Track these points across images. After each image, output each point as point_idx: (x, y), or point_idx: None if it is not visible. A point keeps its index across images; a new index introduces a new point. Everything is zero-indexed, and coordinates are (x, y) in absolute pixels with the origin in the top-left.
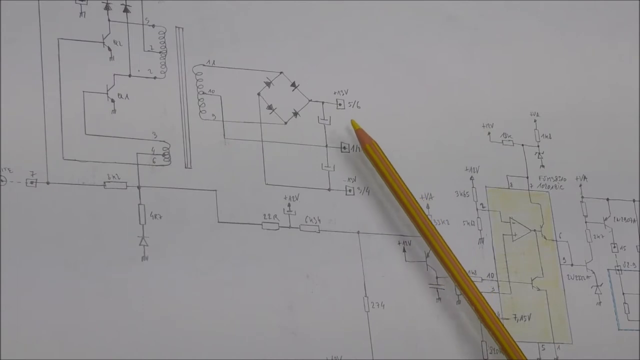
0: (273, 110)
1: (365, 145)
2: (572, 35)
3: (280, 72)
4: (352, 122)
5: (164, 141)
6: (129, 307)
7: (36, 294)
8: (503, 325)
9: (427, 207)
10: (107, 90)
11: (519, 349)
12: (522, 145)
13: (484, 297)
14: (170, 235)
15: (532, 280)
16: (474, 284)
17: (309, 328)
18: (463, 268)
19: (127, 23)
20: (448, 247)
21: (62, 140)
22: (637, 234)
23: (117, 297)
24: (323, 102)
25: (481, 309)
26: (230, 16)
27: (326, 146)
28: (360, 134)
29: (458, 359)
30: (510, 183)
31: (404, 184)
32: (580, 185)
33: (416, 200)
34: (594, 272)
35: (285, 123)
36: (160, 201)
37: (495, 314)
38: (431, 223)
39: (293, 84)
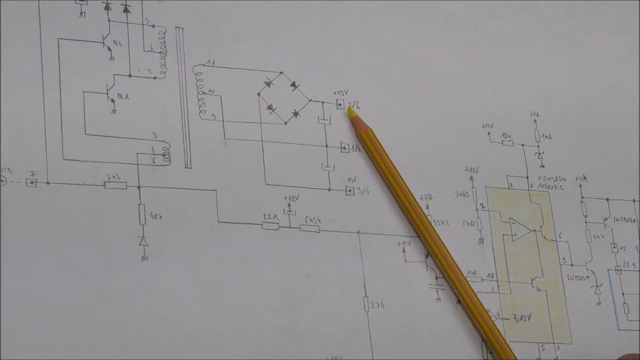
0: (273, 110)
1: (361, 132)
2: (572, 35)
3: (280, 72)
4: (349, 110)
5: (164, 141)
6: (129, 307)
7: (36, 294)
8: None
9: (427, 207)
10: (107, 90)
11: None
12: (522, 145)
13: (472, 289)
14: (170, 235)
15: (532, 280)
16: (462, 274)
17: (309, 328)
18: (448, 251)
19: (127, 23)
20: (435, 231)
21: (62, 140)
22: (637, 234)
23: (117, 297)
24: (323, 102)
25: (470, 303)
26: (230, 16)
27: (326, 146)
28: (356, 121)
29: (458, 359)
30: (510, 183)
31: (398, 172)
32: (580, 185)
33: (408, 189)
34: (593, 272)
35: (285, 123)
36: (160, 201)
37: (485, 311)
38: (420, 208)
39: (293, 84)
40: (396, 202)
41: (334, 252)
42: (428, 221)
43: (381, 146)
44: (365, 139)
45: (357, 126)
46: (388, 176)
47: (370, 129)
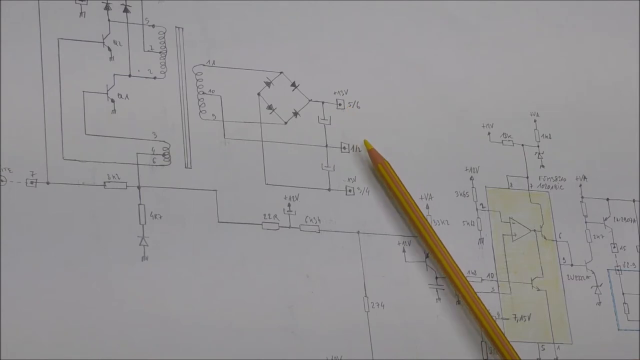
0: (273, 110)
1: (378, 165)
2: (572, 35)
3: (280, 72)
4: (365, 142)
5: (164, 141)
6: (129, 307)
7: (36, 294)
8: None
9: (427, 207)
10: (107, 90)
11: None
12: (522, 145)
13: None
14: (170, 235)
15: (532, 280)
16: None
17: (308, 328)
18: (465, 277)
19: (127, 23)
20: (460, 271)
21: (62, 140)
22: (637, 234)
23: (117, 297)
24: (323, 102)
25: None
26: (230, 16)
27: (326, 146)
28: (372, 153)
29: (458, 359)
30: (510, 183)
31: (416, 204)
32: (580, 185)
33: (429, 223)
34: (593, 272)
35: (285, 123)
36: (160, 201)
37: (490, 315)
38: (443, 245)
39: (293, 84)
40: (415, 234)
41: (334, 252)
42: (453, 261)
43: (399, 179)
44: (382, 172)
45: (374, 159)
46: (407, 209)
47: (387, 162)
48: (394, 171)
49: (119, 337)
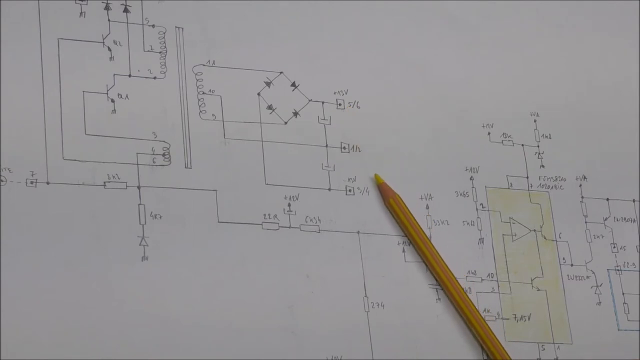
0: (273, 110)
1: (389, 200)
2: (572, 35)
3: (280, 72)
4: (376, 176)
5: (164, 141)
6: (129, 307)
7: (36, 294)
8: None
9: (427, 207)
10: (107, 90)
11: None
12: (522, 145)
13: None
14: (170, 235)
15: (532, 280)
16: (465, 294)
17: (309, 328)
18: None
19: (127, 23)
20: (464, 293)
21: (62, 140)
22: (637, 234)
23: (117, 297)
24: (323, 102)
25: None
26: (230, 16)
27: (326, 146)
28: (383, 187)
29: (458, 359)
30: (510, 183)
31: (427, 237)
32: (580, 185)
33: (439, 255)
34: (593, 272)
35: (285, 123)
36: (160, 201)
37: (481, 316)
38: (459, 284)
39: (293, 84)
40: (426, 266)
41: (334, 252)
42: (460, 287)
43: (410, 212)
44: (394, 206)
45: (385, 193)
46: (419, 243)
47: (398, 195)
48: (405, 205)
49: (119, 337)
